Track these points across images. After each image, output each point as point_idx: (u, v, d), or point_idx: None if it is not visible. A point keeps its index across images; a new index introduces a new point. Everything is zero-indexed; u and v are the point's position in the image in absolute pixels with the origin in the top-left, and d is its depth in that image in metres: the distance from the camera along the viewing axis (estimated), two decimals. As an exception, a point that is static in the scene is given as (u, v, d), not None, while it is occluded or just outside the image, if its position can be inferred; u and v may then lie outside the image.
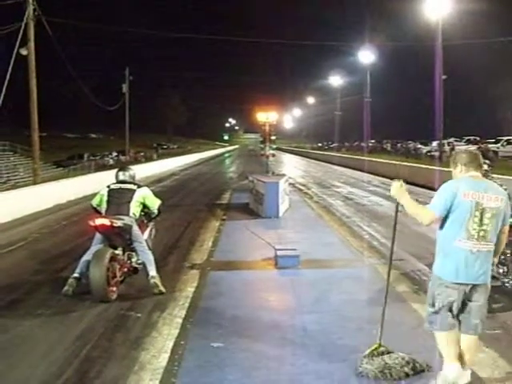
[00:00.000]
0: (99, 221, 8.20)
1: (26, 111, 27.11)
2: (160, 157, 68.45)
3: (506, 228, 5.08)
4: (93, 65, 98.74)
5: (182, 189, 29.43)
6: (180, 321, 7.20)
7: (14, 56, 25.12)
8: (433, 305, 5.01)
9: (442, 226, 4.97)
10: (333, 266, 10.28)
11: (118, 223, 8.24)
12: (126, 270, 8.56)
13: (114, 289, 8.10)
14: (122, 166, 9.76)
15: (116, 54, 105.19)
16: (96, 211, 8.90)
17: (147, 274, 8.48)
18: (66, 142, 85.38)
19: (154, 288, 8.33)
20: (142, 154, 70.94)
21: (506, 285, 8.15)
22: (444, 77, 40.43)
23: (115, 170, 9.58)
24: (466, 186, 4.87)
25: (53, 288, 8.79)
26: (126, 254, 8.63)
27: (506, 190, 8.74)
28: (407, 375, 5.32)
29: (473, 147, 46.91)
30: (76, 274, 8.32)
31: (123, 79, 58.21)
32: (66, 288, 8.20)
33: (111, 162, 57.46)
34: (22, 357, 6.18)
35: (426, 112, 54.07)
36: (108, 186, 8.90)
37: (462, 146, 51.47)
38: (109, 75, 77.41)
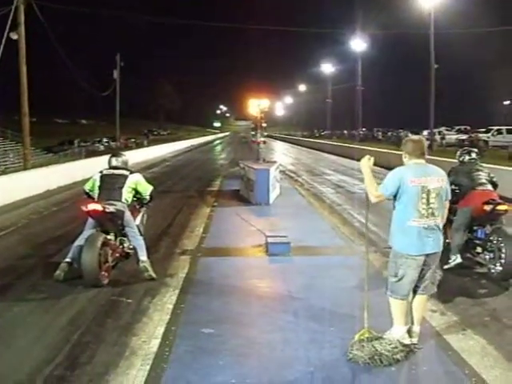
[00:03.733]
0: (91, 206, 8.22)
1: (15, 96, 26.92)
2: (151, 143, 68.10)
3: (447, 203, 5.89)
4: (85, 50, 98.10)
5: (172, 175, 29.37)
6: (171, 307, 7.21)
7: (3, 40, 24.91)
8: (395, 275, 5.68)
9: (396, 208, 5.68)
10: (323, 254, 10.30)
11: (111, 209, 8.29)
12: (117, 255, 8.61)
13: (106, 274, 8.13)
14: (115, 152, 9.79)
15: (108, 40, 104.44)
16: (88, 196, 8.92)
17: (138, 260, 8.50)
18: (57, 127, 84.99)
19: (144, 273, 8.36)
20: (132, 140, 70.62)
21: (492, 271, 8.32)
22: (436, 66, 40.51)
23: (106, 156, 9.57)
24: (411, 173, 5.60)
25: (44, 273, 8.81)
26: (118, 239, 8.69)
27: (493, 177, 8.93)
28: (398, 361, 5.40)
29: (463, 136, 47.20)
30: (68, 259, 8.35)
31: (115, 65, 57.88)
32: (57, 273, 8.22)
33: (101, 148, 57.22)
34: (13, 342, 6.19)
35: (418, 101, 54.24)
36: (100, 172, 8.91)
37: (452, 135, 51.73)
38: (101, 61, 76.95)
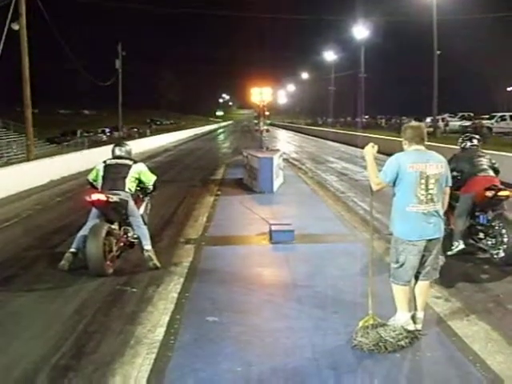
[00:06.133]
0: (95, 196, 8.22)
1: (17, 87, 26.90)
2: (153, 133, 68.05)
3: (447, 189, 5.93)
4: (86, 40, 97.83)
5: (176, 164, 29.37)
6: (175, 295, 7.23)
7: (5, 31, 24.86)
8: (397, 261, 5.71)
9: (395, 194, 5.72)
10: (327, 241, 10.32)
11: (114, 198, 8.29)
12: (122, 244, 8.62)
13: (111, 263, 8.16)
14: (119, 142, 9.80)
15: (110, 29, 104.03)
16: (92, 186, 8.91)
17: (142, 249, 8.53)
18: (59, 118, 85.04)
19: (148, 262, 8.39)
20: (135, 129, 70.55)
21: (495, 257, 8.36)
22: (438, 52, 40.37)
23: (109, 146, 9.59)
24: (410, 159, 5.63)
25: (49, 263, 8.85)
26: (122, 228, 8.70)
27: (494, 163, 8.95)
28: (402, 348, 5.42)
29: (467, 123, 47.08)
30: (72, 249, 8.36)
31: (117, 54, 57.73)
32: (62, 263, 8.23)
33: (104, 138, 57.22)
34: (19, 332, 6.22)
35: (421, 87, 53.99)
36: (104, 162, 8.90)
37: (456, 122, 51.58)
38: (102, 51, 76.73)
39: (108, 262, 8.07)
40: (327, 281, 7.77)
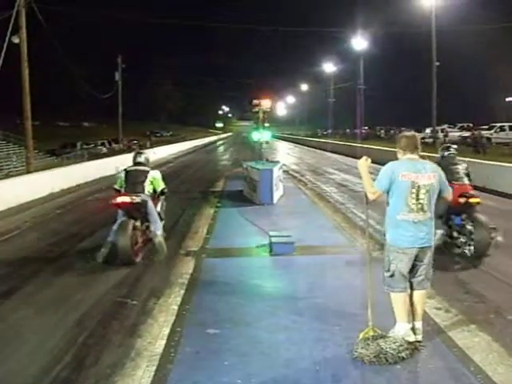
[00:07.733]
0: (120, 198, 9.71)
1: (18, 99, 26.95)
2: (153, 145, 68.06)
3: (448, 197, 6.13)
4: (86, 52, 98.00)
5: (176, 176, 29.32)
6: (176, 308, 7.23)
7: (5, 44, 24.93)
8: (388, 269, 5.81)
9: (389, 203, 5.80)
10: (327, 252, 10.32)
11: (137, 199, 9.70)
12: (145, 237, 10.01)
13: (138, 254, 9.57)
14: (139, 151, 11.47)
15: (109, 42, 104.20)
16: (117, 192, 10.16)
17: (155, 235, 9.84)
18: (59, 130, 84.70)
19: (155, 243, 9.83)
20: (135, 141, 70.50)
21: (466, 251, 9.47)
22: (437, 63, 40.51)
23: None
24: (403, 167, 5.70)
25: (49, 275, 8.86)
26: (144, 224, 10.06)
27: (469, 171, 9.85)
28: (403, 359, 5.41)
29: (466, 133, 47.16)
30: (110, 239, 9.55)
31: (116, 67, 57.90)
32: (102, 250, 9.46)
33: (104, 150, 57.21)
34: (19, 344, 6.21)
35: (421, 98, 54.09)
36: (125, 169, 10.37)
37: (455, 133, 51.67)
38: (102, 63, 76.85)
39: (135, 252, 9.42)
40: (327, 292, 7.78)
